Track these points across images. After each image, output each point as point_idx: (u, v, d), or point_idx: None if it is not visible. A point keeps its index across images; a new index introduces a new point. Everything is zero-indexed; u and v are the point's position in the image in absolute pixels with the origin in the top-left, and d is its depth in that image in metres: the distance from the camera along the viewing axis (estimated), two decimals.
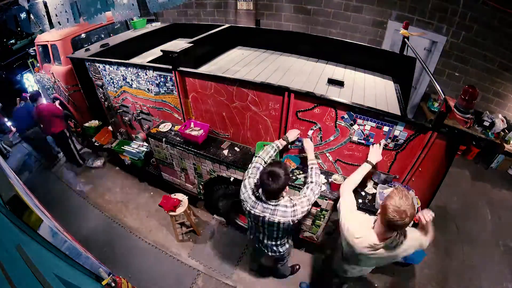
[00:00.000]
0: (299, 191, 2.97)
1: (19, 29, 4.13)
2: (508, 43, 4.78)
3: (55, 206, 4.62)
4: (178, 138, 3.63)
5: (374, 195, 2.87)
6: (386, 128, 2.58)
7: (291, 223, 2.23)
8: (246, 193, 2.27)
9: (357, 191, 2.92)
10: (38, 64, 5.70)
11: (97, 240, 4.11)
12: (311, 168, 2.53)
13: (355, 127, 2.69)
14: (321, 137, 2.93)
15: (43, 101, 5.15)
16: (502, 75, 5.11)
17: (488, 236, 4.17)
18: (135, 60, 4.70)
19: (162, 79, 3.52)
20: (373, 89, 3.58)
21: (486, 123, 5.17)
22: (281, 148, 2.75)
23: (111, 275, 1.97)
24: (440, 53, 5.58)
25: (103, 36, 5.68)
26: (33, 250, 1.33)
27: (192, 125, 3.56)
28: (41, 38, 5.22)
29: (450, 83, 5.69)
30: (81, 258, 1.92)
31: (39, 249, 1.44)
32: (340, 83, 3.59)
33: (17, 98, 5.56)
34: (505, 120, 5.15)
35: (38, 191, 4.75)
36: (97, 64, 4.04)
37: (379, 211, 1.85)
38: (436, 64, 5.73)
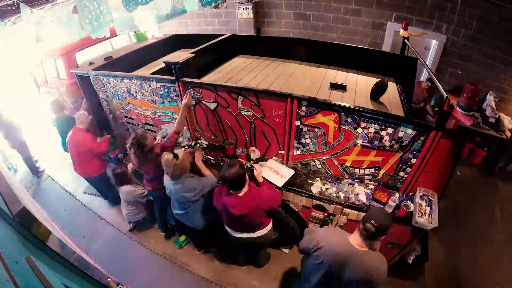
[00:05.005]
0: None
1: None
2: (508, 37, 4.76)
3: (61, 217, 4.66)
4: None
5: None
6: (390, 130, 2.58)
7: None
8: None
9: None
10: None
11: (105, 251, 4.12)
12: None
13: (359, 130, 2.69)
14: (325, 141, 2.94)
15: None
16: (505, 70, 5.08)
17: (498, 235, 4.10)
18: (139, 72, 4.77)
19: (166, 90, 3.56)
20: None
21: (492, 120, 5.10)
22: None
23: (119, 285, 1.98)
24: (441, 51, 5.58)
25: None
26: (42, 261, 1.34)
27: None
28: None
29: (453, 81, 5.67)
30: (89, 269, 1.93)
31: (48, 260, 1.45)
32: (342, 87, 3.60)
33: None
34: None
35: (45, 203, 4.80)
36: (101, 77, 4.11)
37: None
38: (438, 63, 5.72)
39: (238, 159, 2.75)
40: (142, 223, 4.33)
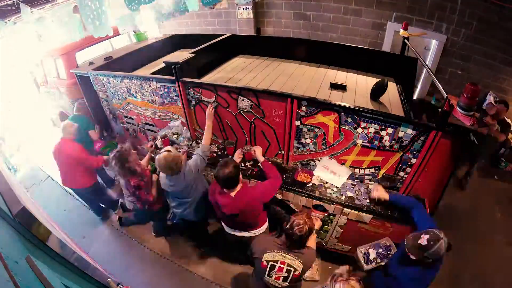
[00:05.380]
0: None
1: None
2: (508, 37, 4.76)
3: (61, 217, 4.66)
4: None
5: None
6: (390, 130, 2.58)
7: None
8: None
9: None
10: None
11: (105, 251, 4.12)
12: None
13: (359, 130, 2.69)
14: (325, 141, 2.94)
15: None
16: (505, 70, 5.07)
17: (498, 235, 4.10)
18: (139, 72, 4.76)
19: (166, 90, 3.56)
20: None
21: None
22: None
23: (119, 285, 1.98)
24: (441, 51, 5.58)
25: None
26: (42, 261, 1.34)
27: None
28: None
29: (453, 81, 5.67)
30: (89, 269, 1.93)
31: (48, 260, 1.45)
32: (342, 87, 3.60)
33: None
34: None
35: (45, 203, 4.79)
36: (101, 77, 4.11)
37: None
38: (438, 63, 5.72)
39: (233, 159, 2.72)
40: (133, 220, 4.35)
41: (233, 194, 2.56)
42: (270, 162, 2.95)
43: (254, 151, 3.08)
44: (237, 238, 2.92)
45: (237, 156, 3.17)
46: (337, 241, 3.27)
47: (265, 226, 2.93)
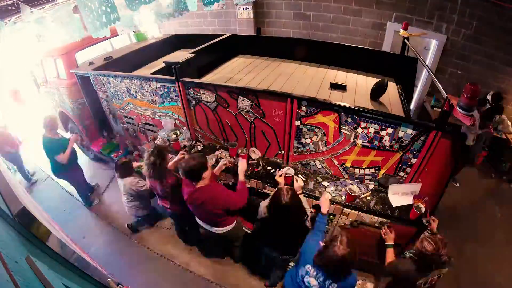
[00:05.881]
0: None
1: None
2: (508, 37, 4.76)
3: (61, 217, 4.66)
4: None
5: None
6: (390, 130, 2.58)
7: None
8: None
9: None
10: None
11: (105, 251, 4.12)
12: None
13: (359, 130, 2.69)
14: (325, 142, 2.94)
15: None
16: (505, 70, 5.07)
17: (498, 235, 4.10)
18: (139, 72, 4.76)
19: (166, 90, 3.56)
20: None
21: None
22: None
23: (119, 285, 1.98)
24: (441, 52, 5.57)
25: None
26: (42, 261, 1.34)
27: None
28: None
29: (453, 81, 5.67)
30: (89, 269, 1.93)
31: (48, 260, 1.45)
32: (342, 87, 3.60)
33: None
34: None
35: (45, 203, 4.79)
36: (101, 77, 4.10)
37: None
38: (438, 63, 5.72)
39: (204, 156, 2.77)
40: (142, 223, 4.33)
41: (197, 185, 2.69)
42: (246, 185, 2.98)
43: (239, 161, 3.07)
44: (204, 230, 3.06)
45: (222, 163, 3.19)
46: None
47: (232, 226, 3.00)
